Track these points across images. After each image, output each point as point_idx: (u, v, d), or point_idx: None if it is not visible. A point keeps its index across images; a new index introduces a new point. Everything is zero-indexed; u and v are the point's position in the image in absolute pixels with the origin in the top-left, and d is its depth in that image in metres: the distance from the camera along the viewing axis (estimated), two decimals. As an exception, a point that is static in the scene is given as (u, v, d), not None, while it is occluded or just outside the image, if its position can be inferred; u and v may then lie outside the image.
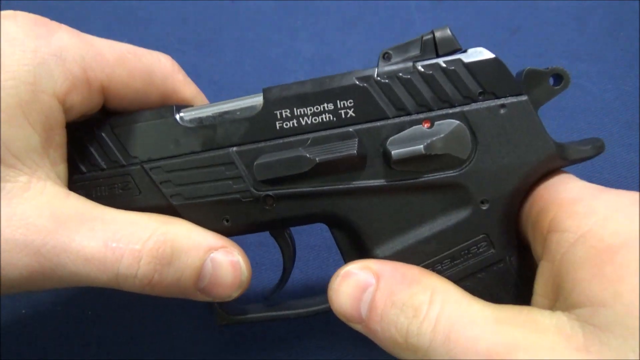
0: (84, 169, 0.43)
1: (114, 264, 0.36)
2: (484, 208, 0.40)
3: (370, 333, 0.38)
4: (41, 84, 0.37)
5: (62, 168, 0.41)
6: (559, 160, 0.40)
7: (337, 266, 0.61)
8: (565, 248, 0.35)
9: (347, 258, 0.43)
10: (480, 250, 0.40)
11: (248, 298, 0.60)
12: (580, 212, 0.35)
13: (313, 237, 0.63)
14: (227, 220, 0.43)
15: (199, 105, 0.44)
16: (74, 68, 0.39)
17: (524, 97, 0.39)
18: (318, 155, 0.40)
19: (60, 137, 0.40)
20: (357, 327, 0.39)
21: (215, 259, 0.39)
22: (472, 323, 0.35)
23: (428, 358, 0.35)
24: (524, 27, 0.68)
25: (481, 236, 0.40)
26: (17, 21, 0.38)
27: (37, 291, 0.38)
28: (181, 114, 0.43)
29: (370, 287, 0.38)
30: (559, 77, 0.40)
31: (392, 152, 0.39)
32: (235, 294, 0.41)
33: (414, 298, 0.37)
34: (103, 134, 0.43)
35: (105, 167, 0.43)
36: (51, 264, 0.35)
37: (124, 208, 0.41)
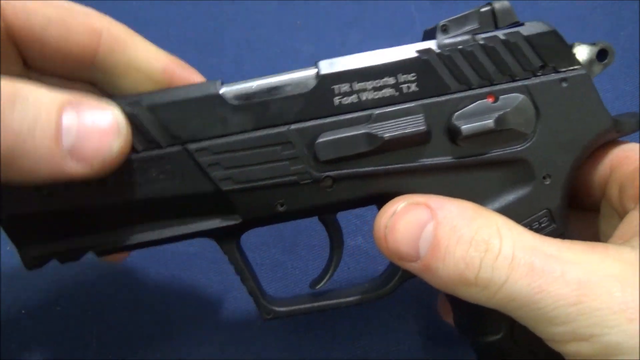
0: None
1: None
2: (547, 183, 0.40)
3: (426, 271, 0.36)
4: None
5: None
6: (614, 134, 0.40)
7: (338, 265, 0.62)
8: None
9: None
10: (542, 225, 0.40)
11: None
12: None
13: (313, 237, 0.63)
14: (282, 205, 0.40)
15: (241, 81, 0.40)
16: None
17: (583, 71, 0.39)
18: (385, 132, 0.38)
19: None
20: (410, 265, 0.37)
21: (79, 107, 0.34)
22: (550, 254, 0.34)
23: (500, 292, 0.34)
24: (524, 27, 0.68)
25: (543, 211, 0.40)
26: None
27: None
28: (224, 89, 0.39)
29: (429, 224, 0.36)
30: (604, 52, 0.40)
31: (462, 128, 0.38)
32: (117, 144, 0.34)
33: (480, 232, 0.35)
34: (136, 112, 0.38)
35: (140, 149, 0.38)
36: None
37: (161, 195, 0.38)
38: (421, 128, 0.38)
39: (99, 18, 0.41)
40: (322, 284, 0.46)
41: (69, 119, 0.33)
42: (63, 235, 0.40)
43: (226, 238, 0.43)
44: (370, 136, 0.38)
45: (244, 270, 0.44)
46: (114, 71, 0.41)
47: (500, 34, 0.39)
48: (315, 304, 0.44)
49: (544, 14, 0.70)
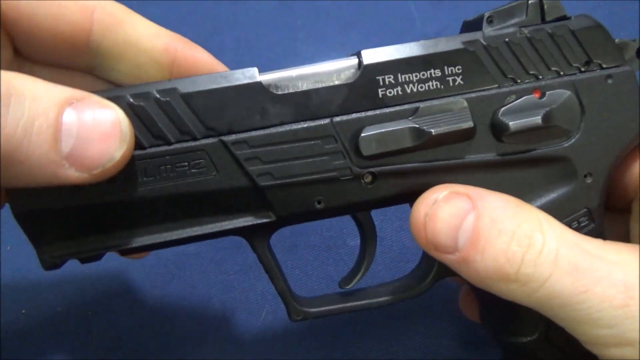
0: (145, 143, 0.35)
1: None
2: (588, 182, 0.39)
3: (464, 264, 0.35)
4: None
5: None
6: None
7: (337, 266, 0.62)
8: None
9: None
10: (582, 224, 0.39)
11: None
12: None
13: (313, 237, 0.62)
14: (320, 202, 0.38)
15: (280, 70, 0.37)
16: None
17: (628, 68, 0.39)
18: (431, 126, 0.37)
19: None
20: (447, 257, 0.35)
21: (81, 108, 0.31)
22: (594, 254, 0.33)
23: (541, 290, 0.33)
24: (524, 27, 0.68)
25: (583, 210, 0.39)
26: None
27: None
28: (263, 77, 0.36)
29: (469, 214, 0.34)
30: None
31: (510, 124, 0.37)
32: (119, 153, 0.32)
33: (523, 227, 0.34)
34: (170, 100, 0.35)
35: (173, 140, 0.36)
36: None
37: (195, 190, 0.36)
38: (469, 123, 0.37)
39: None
40: (352, 283, 0.44)
41: (69, 121, 0.30)
42: (85, 234, 0.37)
43: (258, 236, 0.41)
44: (416, 131, 0.37)
45: (275, 269, 0.42)
46: (111, 53, 0.38)
47: (548, 27, 0.38)
48: (347, 305, 0.42)
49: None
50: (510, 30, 0.38)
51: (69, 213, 0.36)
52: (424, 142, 0.37)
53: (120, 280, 0.62)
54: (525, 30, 0.38)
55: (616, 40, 0.39)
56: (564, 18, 0.39)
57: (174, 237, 0.38)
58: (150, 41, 0.39)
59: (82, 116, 0.31)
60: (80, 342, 0.60)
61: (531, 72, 0.38)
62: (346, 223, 0.61)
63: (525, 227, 0.34)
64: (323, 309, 0.42)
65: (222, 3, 0.70)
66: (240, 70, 0.36)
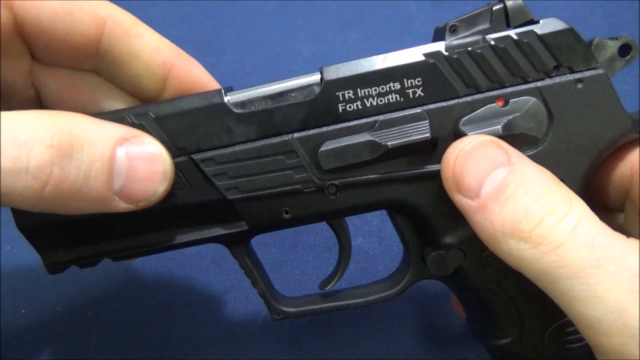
0: None
1: None
2: None
3: (481, 211, 0.34)
4: None
5: None
6: (634, 134, 0.38)
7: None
8: None
9: (411, 244, 0.42)
10: None
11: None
12: None
13: (313, 237, 0.63)
14: (287, 212, 0.40)
15: (246, 88, 0.39)
16: None
17: (601, 71, 0.37)
18: (388, 140, 0.37)
19: None
20: (466, 202, 0.35)
21: (130, 148, 0.35)
22: (614, 235, 0.32)
23: (552, 254, 0.32)
24: (524, 27, 0.68)
25: None
26: None
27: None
28: (228, 98, 0.38)
29: (503, 167, 0.34)
30: (627, 48, 0.38)
31: (469, 134, 0.37)
32: (162, 189, 0.36)
33: (551, 195, 0.33)
34: (143, 123, 0.38)
35: None
36: None
37: (171, 204, 0.39)
38: (425, 135, 0.37)
39: (104, 6, 0.40)
40: (331, 285, 0.45)
41: (120, 161, 0.34)
42: (81, 243, 0.41)
43: (235, 243, 0.43)
44: (373, 144, 0.38)
45: (254, 274, 0.44)
46: (117, 60, 0.41)
47: (513, 33, 0.37)
48: (324, 305, 0.45)
49: (544, 14, 0.70)
50: (473, 39, 0.37)
51: (67, 226, 0.39)
52: (381, 154, 0.38)
53: (120, 280, 0.62)
54: (489, 38, 0.37)
55: (594, 40, 0.38)
56: (532, 22, 0.38)
57: (160, 245, 0.42)
58: (150, 54, 0.41)
59: (132, 155, 0.35)
60: (81, 342, 0.60)
61: (494, 81, 0.38)
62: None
63: (554, 195, 0.34)
64: (302, 309, 0.45)
65: (222, 3, 0.70)
66: (209, 92, 0.39)
